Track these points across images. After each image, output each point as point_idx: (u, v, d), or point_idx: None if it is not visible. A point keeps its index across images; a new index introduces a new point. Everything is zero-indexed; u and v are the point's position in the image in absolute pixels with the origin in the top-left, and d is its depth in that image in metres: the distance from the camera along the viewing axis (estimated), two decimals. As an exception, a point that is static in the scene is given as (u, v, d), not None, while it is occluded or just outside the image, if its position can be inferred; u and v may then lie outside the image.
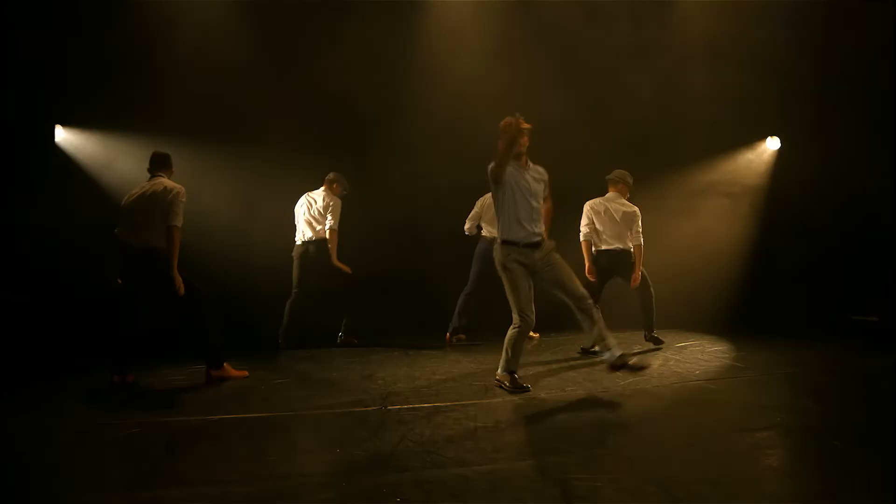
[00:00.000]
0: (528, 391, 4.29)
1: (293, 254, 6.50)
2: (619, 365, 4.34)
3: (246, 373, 5.04)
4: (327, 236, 6.32)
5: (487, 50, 7.16)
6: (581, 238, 6.05)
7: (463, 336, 6.63)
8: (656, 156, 7.50)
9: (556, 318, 6.69)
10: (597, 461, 3.00)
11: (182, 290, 4.67)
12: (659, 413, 3.90)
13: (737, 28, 7.36)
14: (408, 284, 7.44)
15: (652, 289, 6.08)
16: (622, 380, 4.68)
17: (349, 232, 6.57)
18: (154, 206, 4.75)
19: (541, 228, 4.47)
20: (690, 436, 3.41)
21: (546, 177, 4.60)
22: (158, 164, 5.00)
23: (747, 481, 2.71)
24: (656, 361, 5.39)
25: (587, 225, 6.03)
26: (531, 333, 6.71)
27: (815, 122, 7.69)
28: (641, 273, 5.99)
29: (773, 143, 8.47)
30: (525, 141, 4.41)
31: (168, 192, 4.77)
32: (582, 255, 6.01)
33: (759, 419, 3.56)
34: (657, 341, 6.10)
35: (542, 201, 4.52)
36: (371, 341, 6.55)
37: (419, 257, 7.52)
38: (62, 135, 6.43)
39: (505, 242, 4.40)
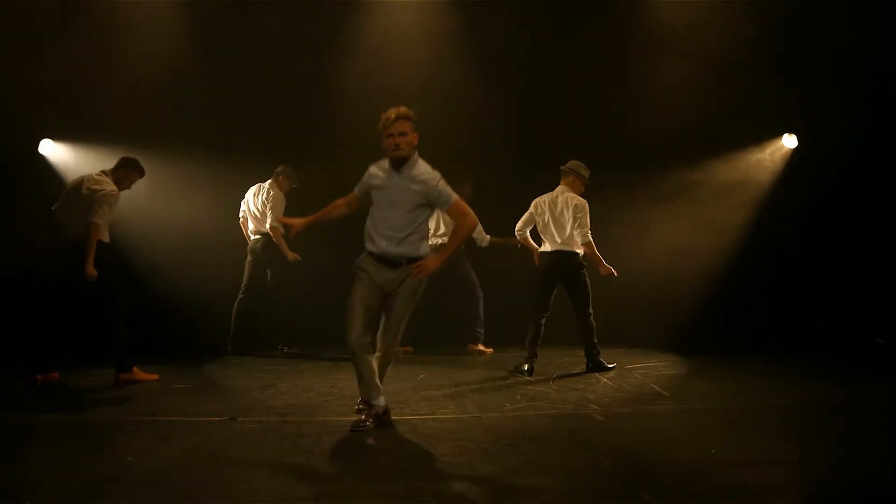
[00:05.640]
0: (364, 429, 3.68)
1: (248, 250, 6.51)
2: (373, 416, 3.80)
3: (156, 376, 5.17)
4: (272, 233, 6.28)
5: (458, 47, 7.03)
6: (516, 235, 5.69)
7: (409, 348, 6.47)
8: (639, 157, 7.09)
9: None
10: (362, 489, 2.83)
11: (91, 279, 4.78)
12: (486, 443, 3.50)
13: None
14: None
15: (591, 316, 5.55)
16: (513, 402, 4.42)
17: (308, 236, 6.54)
18: (86, 198, 4.92)
19: (402, 248, 3.78)
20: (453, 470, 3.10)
21: (432, 185, 3.76)
22: (117, 164, 5.23)
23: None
24: (578, 385, 5.04)
25: (524, 222, 5.61)
26: (482, 347, 6.53)
27: (832, 120, 6.94)
28: (589, 291, 5.54)
29: (789, 141, 7.61)
30: (397, 139, 3.68)
31: (97, 191, 4.95)
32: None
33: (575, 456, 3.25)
34: (600, 367, 5.54)
35: (412, 212, 3.78)
36: (323, 350, 6.52)
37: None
38: (49, 147, 6.88)
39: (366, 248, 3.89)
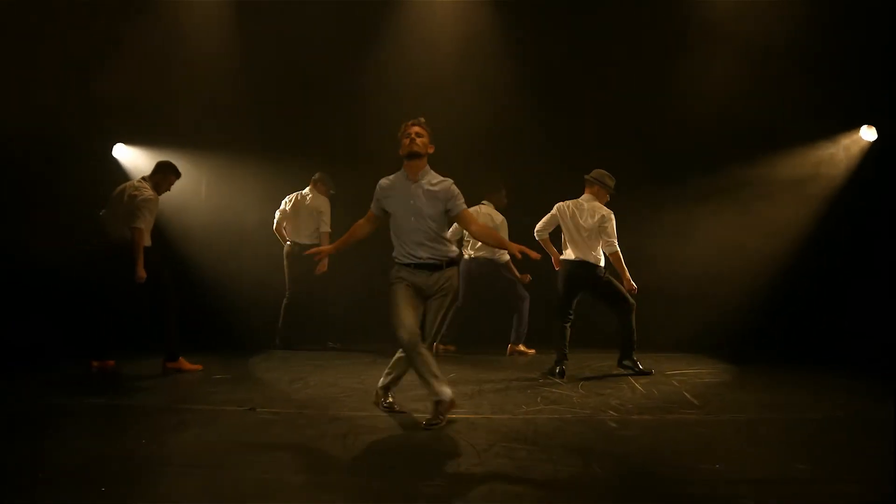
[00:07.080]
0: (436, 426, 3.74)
1: (284, 253, 6.74)
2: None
3: (200, 367, 5.47)
4: (321, 239, 6.47)
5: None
6: (536, 236, 5.57)
7: (452, 347, 6.54)
8: (697, 155, 6.85)
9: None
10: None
11: (141, 281, 5.13)
12: (484, 444, 3.46)
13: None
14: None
15: (632, 313, 5.40)
16: (530, 405, 4.36)
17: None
18: (128, 204, 5.29)
19: (433, 252, 3.90)
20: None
21: (448, 186, 3.91)
22: (154, 169, 5.59)
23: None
24: (605, 389, 4.89)
25: (545, 224, 5.51)
26: (523, 348, 6.46)
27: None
28: (620, 289, 5.40)
29: (868, 134, 7.02)
30: (413, 142, 3.85)
31: (137, 197, 5.30)
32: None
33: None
34: (636, 371, 5.41)
35: (435, 217, 3.88)
36: (368, 347, 6.65)
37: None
38: (121, 151, 7.40)
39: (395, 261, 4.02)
